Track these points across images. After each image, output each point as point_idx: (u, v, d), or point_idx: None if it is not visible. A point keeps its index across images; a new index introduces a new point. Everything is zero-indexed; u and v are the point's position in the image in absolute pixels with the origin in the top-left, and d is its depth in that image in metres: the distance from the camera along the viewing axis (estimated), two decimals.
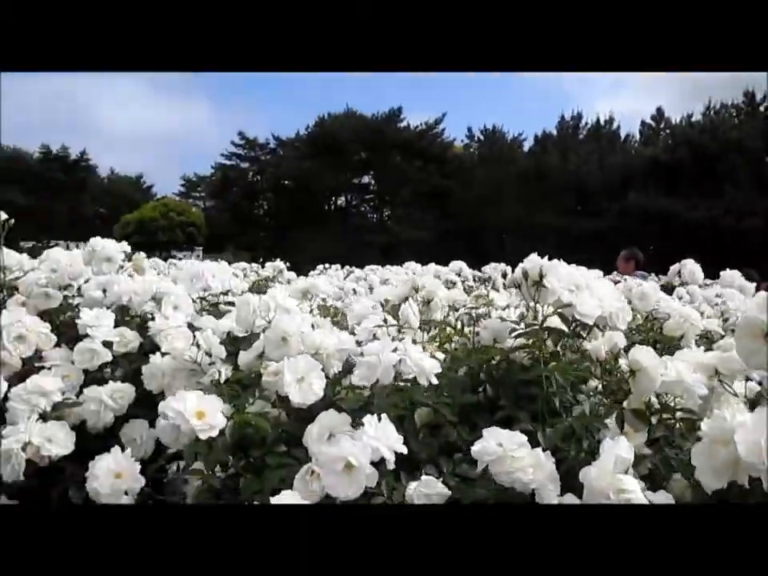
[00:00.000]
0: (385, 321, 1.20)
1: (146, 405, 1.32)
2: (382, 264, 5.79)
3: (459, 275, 4.19)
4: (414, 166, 30.32)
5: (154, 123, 63.65)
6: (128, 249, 1.79)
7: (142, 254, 1.84)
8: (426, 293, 1.30)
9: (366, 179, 32.76)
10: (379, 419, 0.86)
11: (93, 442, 1.26)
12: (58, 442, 1.14)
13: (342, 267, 5.24)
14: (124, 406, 1.23)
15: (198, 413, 0.90)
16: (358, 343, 1.26)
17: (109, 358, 1.31)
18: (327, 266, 5.25)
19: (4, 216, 1.89)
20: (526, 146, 30.01)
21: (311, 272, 4.96)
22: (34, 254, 2.11)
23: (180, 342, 1.22)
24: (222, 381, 1.23)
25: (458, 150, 31.72)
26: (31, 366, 1.39)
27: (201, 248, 18.90)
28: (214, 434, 0.90)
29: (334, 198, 32.91)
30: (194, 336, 1.24)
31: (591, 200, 24.80)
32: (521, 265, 1.10)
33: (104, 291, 1.55)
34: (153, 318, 1.57)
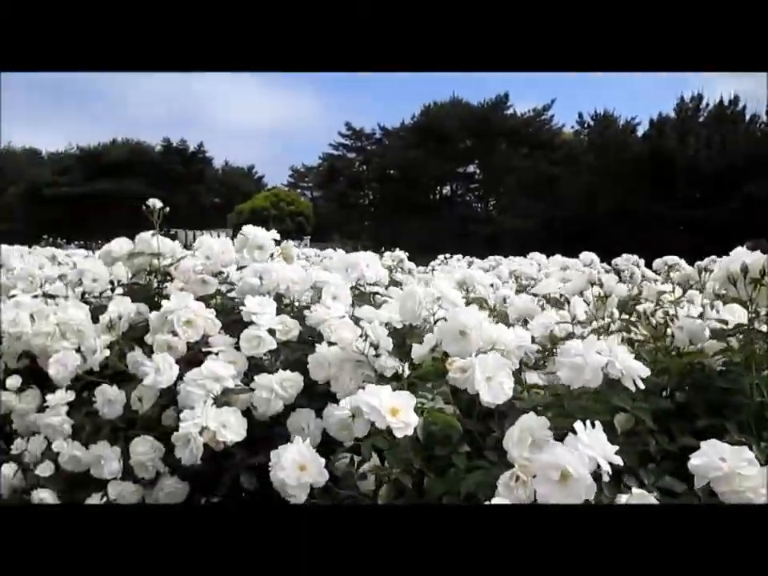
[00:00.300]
0: (574, 318, 1.12)
1: (308, 394, 1.31)
2: (486, 254, 5.65)
3: (590, 266, 4.01)
4: (520, 154, 29.66)
5: (264, 117, 65.96)
6: (278, 237, 1.80)
7: (290, 243, 1.84)
8: (606, 287, 1.20)
9: (471, 168, 32.40)
10: (593, 425, 0.78)
11: (258, 429, 1.26)
12: (231, 427, 1.15)
13: (461, 258, 5.13)
14: (293, 395, 1.22)
15: (392, 409, 0.86)
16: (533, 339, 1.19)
17: (274, 345, 1.30)
18: (447, 255, 5.16)
19: (159, 204, 1.96)
20: (641, 131, 28.52)
21: (431, 262, 4.90)
22: None
23: (348, 333, 1.19)
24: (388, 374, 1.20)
25: (567, 137, 30.68)
26: (197, 351, 1.41)
27: (308, 237, 19.34)
28: (410, 432, 0.86)
29: (438, 188, 32.77)
30: (361, 327, 1.21)
31: (712, 187, 23.21)
32: (733, 258, 0.98)
33: (260, 278, 1.56)
34: (306, 307, 1.57)
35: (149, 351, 1.43)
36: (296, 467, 0.94)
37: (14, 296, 1.88)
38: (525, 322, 1.43)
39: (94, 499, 1.26)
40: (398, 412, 0.86)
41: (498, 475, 0.86)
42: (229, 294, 1.82)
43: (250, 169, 37.25)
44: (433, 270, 4.23)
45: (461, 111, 30.50)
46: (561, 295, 1.45)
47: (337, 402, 1.20)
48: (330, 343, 1.24)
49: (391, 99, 56.98)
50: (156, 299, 1.87)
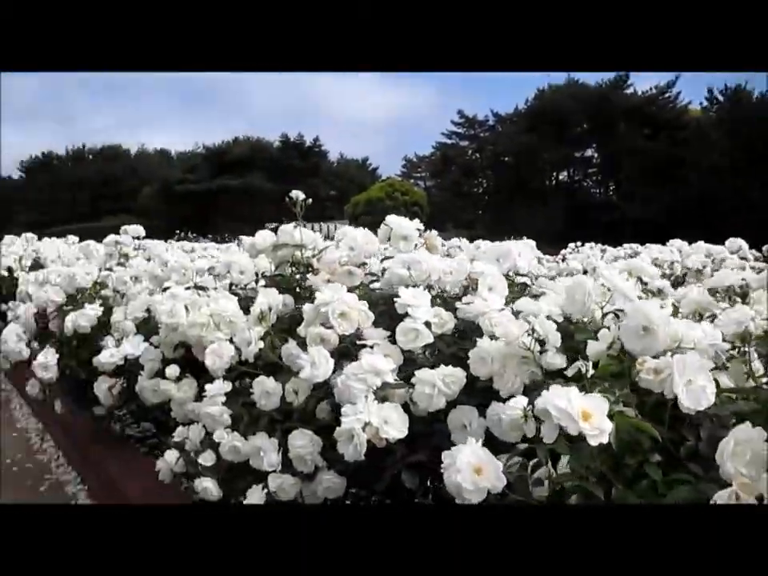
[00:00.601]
0: None
1: (467, 390, 1.25)
2: (606, 242, 5.34)
3: (737, 253, 3.69)
4: (643, 135, 28.06)
5: (376, 109, 66.76)
6: (421, 227, 1.76)
7: (435, 232, 1.80)
8: None
9: (588, 152, 31.10)
10: None
11: (416, 425, 1.22)
12: (394, 424, 1.11)
13: (594, 246, 4.88)
14: (456, 392, 1.16)
15: (584, 413, 0.78)
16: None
17: (431, 339, 1.26)
18: (579, 244, 4.93)
19: (302, 196, 1.98)
20: None
21: (562, 251, 4.70)
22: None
23: (514, 327, 1.12)
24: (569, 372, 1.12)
25: (694, 114, 28.67)
26: (348, 344, 1.39)
27: (422, 226, 19.29)
28: (604, 439, 0.78)
29: (554, 174, 31.73)
30: (528, 321, 1.13)
31: None
32: None
33: (408, 269, 1.52)
34: (456, 298, 1.51)
35: (298, 343, 1.43)
36: (472, 470, 0.88)
37: (167, 288, 1.96)
38: (700, 317, 1.30)
39: (255, 491, 1.27)
40: (591, 417, 0.78)
41: (706, 491, 0.77)
42: (371, 286, 1.81)
43: (364, 161, 37.93)
44: (563, 258, 4.05)
45: (577, 92, 29.28)
46: (740, 287, 1.30)
47: (499, 398, 1.14)
48: (492, 337, 1.17)
49: (504, 84, 55.73)
50: (298, 291, 1.89)
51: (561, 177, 31.87)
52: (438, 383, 1.15)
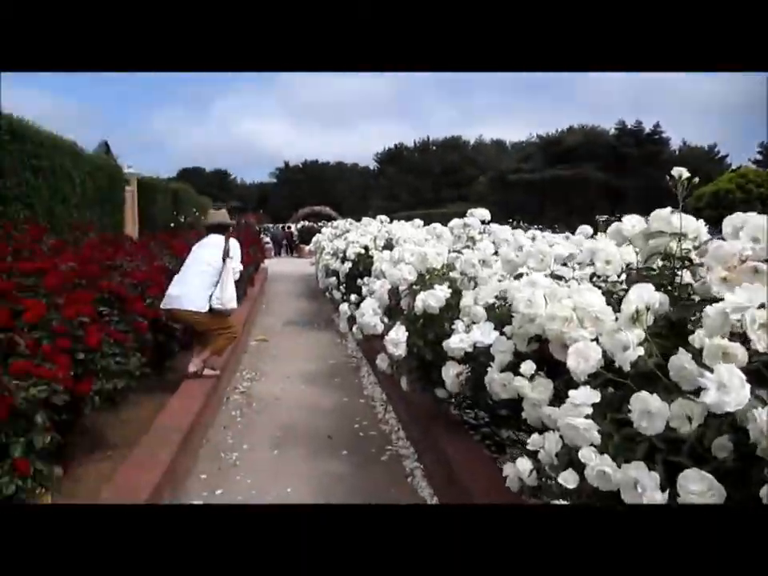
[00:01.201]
0: None
1: None
2: None
3: None
4: None
5: (727, 88, 59.30)
6: None
7: None
8: None
9: None
10: None
11: None
12: None
13: None
14: None
15: None
16: None
17: None
18: None
19: (686, 174, 1.66)
20: None
21: None
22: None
23: None
24: None
25: None
26: (760, 364, 1.06)
27: None
28: None
29: None
30: None
31: None
32: None
33: None
34: None
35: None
36: None
37: (520, 275, 1.82)
38: None
39: None
40: None
41: None
42: None
43: (710, 148, 34.05)
44: None
45: None
46: None
47: None
48: None
49: None
50: (670, 289, 1.59)
51: None
52: None
